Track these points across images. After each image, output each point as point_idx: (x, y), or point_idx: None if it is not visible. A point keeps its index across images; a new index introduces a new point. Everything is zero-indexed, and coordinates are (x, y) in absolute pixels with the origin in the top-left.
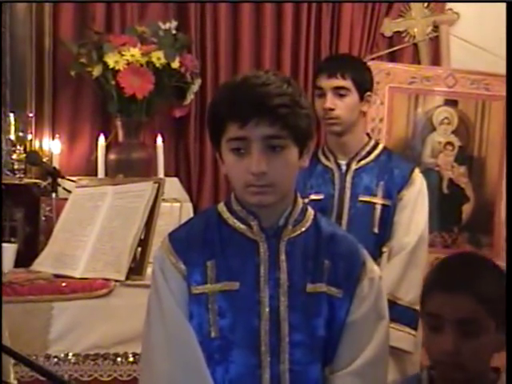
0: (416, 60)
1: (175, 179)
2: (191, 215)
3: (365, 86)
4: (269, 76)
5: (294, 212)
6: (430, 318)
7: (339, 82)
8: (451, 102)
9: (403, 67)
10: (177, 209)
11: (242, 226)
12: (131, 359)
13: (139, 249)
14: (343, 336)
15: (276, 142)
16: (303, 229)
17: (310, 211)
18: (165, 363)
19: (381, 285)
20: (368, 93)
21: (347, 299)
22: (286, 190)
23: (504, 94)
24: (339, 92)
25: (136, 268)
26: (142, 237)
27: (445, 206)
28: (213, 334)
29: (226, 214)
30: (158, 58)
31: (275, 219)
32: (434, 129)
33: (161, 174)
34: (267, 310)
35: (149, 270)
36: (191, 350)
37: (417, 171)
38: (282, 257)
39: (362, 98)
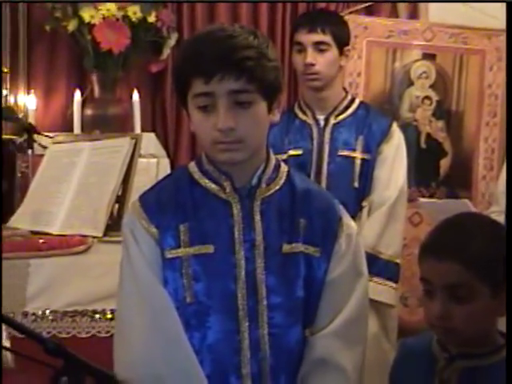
0: (394, 14)
1: (152, 135)
2: (168, 171)
3: (344, 40)
4: (235, 29)
5: (267, 170)
6: (423, 283)
7: (319, 36)
8: (429, 56)
9: (381, 21)
10: (154, 165)
11: (215, 187)
12: (109, 316)
13: (116, 205)
14: (322, 296)
15: (243, 97)
16: (277, 187)
17: (284, 168)
18: (140, 331)
19: (358, 240)
20: (347, 47)
21: (325, 258)
22: (256, 146)
23: (482, 47)
24: (319, 47)
25: (113, 224)
26: (120, 193)
27: (423, 160)
28: (188, 300)
29: (198, 175)
30: (134, 12)
31: (248, 178)
32: (411, 83)
33: (137, 130)
34: (243, 272)
35: None
36: (167, 315)
37: (394, 125)
38: (257, 217)
39: (341, 53)
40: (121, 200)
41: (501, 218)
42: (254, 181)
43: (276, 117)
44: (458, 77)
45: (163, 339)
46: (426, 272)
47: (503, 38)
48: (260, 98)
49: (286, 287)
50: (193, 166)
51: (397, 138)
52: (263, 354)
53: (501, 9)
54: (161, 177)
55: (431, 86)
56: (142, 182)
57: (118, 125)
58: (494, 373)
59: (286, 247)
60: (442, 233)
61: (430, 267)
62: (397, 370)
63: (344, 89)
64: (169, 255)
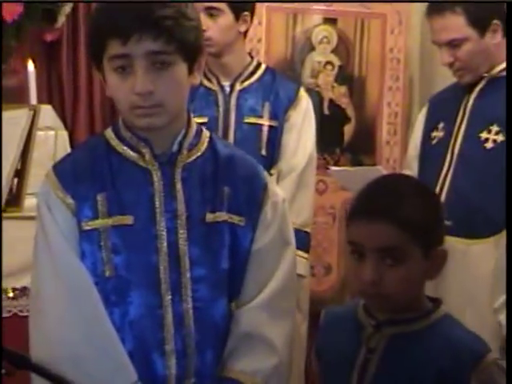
0: None
1: (48, 107)
2: (67, 144)
3: (240, 5)
4: None
5: (188, 135)
6: (351, 247)
7: (210, 2)
8: (330, 21)
9: None
10: (51, 137)
11: (133, 154)
12: (11, 294)
13: (15, 180)
14: (248, 266)
15: (162, 58)
16: (199, 153)
17: (206, 133)
18: (57, 308)
19: (285, 208)
20: (245, 13)
21: (250, 227)
22: (176, 110)
23: (383, 11)
24: (211, 12)
25: (13, 200)
26: (19, 167)
27: (326, 127)
28: (107, 274)
29: (115, 141)
30: None
31: (168, 144)
32: (313, 48)
33: (33, 102)
34: (165, 244)
35: (26, 202)
36: (85, 291)
37: (302, 91)
38: (178, 185)
39: (237, 18)
40: (20, 174)
41: None
42: (175, 147)
43: (197, 79)
44: (360, 41)
45: (81, 317)
46: (355, 235)
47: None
48: (180, 60)
49: (210, 258)
50: (109, 132)
51: (305, 103)
52: (188, 330)
53: None
54: (59, 150)
55: (333, 51)
56: (40, 155)
57: (12, 97)
58: (422, 339)
59: (209, 216)
60: (373, 194)
61: (361, 229)
62: (322, 340)
63: (249, 54)
64: (86, 227)
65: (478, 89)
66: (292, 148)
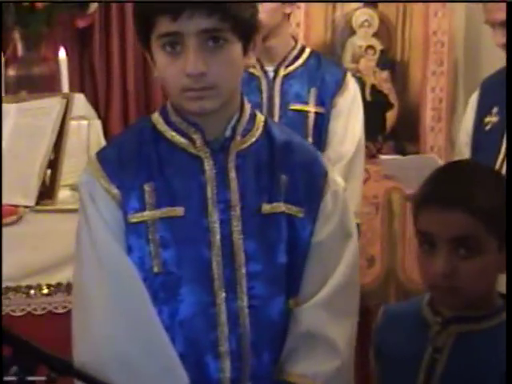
0: None
1: (81, 95)
2: (101, 133)
3: None
4: None
5: (242, 120)
6: (421, 237)
7: None
8: (371, 4)
9: None
10: (85, 127)
11: (183, 140)
12: (45, 291)
13: (49, 171)
14: (308, 261)
15: (215, 36)
16: (253, 139)
17: (260, 117)
18: (103, 306)
19: (346, 198)
20: None
21: (310, 218)
22: (230, 93)
23: None
24: None
25: (46, 192)
26: (52, 157)
27: (368, 113)
28: (156, 269)
29: (163, 127)
30: None
31: (221, 130)
32: (353, 32)
33: (65, 90)
34: (218, 237)
35: (60, 194)
36: (132, 288)
37: (349, 75)
38: (232, 174)
39: None
40: (53, 165)
41: None
42: (228, 132)
43: (251, 60)
44: (402, 24)
45: (128, 315)
46: (426, 224)
47: None
48: (235, 38)
49: (266, 253)
50: (157, 117)
51: (352, 89)
52: (243, 330)
53: None
54: (93, 140)
55: (374, 35)
56: (73, 145)
57: (44, 85)
58: (492, 337)
59: (265, 207)
60: (445, 181)
61: (433, 218)
62: (382, 339)
63: (293, 38)
64: (133, 219)
65: None
66: (340, 135)
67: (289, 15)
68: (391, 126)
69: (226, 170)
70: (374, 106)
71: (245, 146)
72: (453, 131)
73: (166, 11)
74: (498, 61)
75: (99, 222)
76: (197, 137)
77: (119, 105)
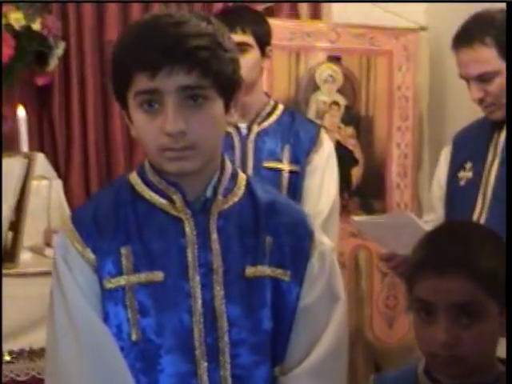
0: (294, 15)
1: (40, 154)
2: (61, 193)
3: (265, 39)
4: (183, 14)
5: (223, 179)
6: (418, 305)
7: (240, 37)
8: (335, 59)
9: (282, 23)
10: (45, 187)
11: (162, 201)
12: (7, 358)
13: (10, 233)
14: (295, 326)
15: (196, 94)
16: (236, 199)
17: (242, 176)
18: (77, 374)
19: (333, 259)
20: (268, 47)
21: (297, 281)
22: (211, 152)
23: (389, 47)
24: (241, 48)
25: (7, 255)
26: (13, 219)
27: None
28: (134, 337)
29: (141, 187)
30: (17, 19)
31: (201, 190)
32: (317, 88)
33: (25, 149)
34: (200, 303)
35: (22, 257)
36: (110, 358)
37: (323, 132)
38: (214, 235)
39: (262, 54)
40: (15, 227)
41: None
42: (209, 192)
43: (233, 117)
44: (366, 79)
45: None
46: (424, 292)
47: (411, 36)
48: (216, 95)
49: (250, 319)
50: (134, 177)
51: (327, 146)
52: None
53: (404, 7)
54: (54, 199)
55: (338, 91)
56: (34, 206)
57: (2, 144)
58: None
59: (249, 270)
60: (440, 245)
61: (431, 286)
62: None
63: (266, 94)
64: (109, 285)
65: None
66: (315, 193)
67: (263, 70)
68: (357, 183)
69: (207, 232)
70: (339, 163)
71: (227, 206)
72: (418, 188)
73: (144, 67)
74: (462, 115)
75: (74, 289)
76: (177, 197)
77: (79, 164)
